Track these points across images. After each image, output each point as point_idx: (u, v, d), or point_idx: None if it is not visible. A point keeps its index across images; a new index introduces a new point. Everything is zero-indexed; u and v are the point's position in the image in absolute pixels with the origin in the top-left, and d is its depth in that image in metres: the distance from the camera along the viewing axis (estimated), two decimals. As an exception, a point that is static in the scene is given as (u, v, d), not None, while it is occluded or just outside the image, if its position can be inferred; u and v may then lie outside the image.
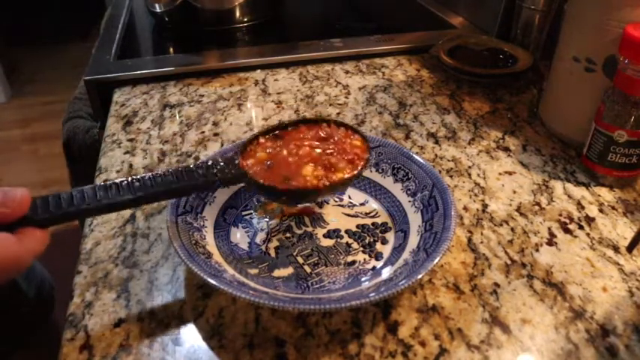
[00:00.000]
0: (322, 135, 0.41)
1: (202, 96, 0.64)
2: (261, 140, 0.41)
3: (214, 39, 0.82)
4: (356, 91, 0.65)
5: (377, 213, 0.44)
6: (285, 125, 0.42)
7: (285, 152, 0.39)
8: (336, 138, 0.40)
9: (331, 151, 0.39)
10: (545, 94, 0.58)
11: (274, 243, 0.41)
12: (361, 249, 0.40)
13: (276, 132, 0.41)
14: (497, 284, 0.38)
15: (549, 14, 0.67)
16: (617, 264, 0.40)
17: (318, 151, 0.39)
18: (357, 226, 0.42)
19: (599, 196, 0.47)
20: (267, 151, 0.40)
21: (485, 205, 0.46)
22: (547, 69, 0.59)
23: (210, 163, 0.37)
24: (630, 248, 0.39)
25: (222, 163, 0.38)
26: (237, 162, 0.38)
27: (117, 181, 0.35)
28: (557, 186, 0.48)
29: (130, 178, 0.35)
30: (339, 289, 0.36)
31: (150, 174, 0.36)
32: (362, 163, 0.39)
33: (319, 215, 0.43)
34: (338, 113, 0.60)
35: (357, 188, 0.46)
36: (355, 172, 0.38)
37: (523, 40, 0.71)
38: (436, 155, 0.53)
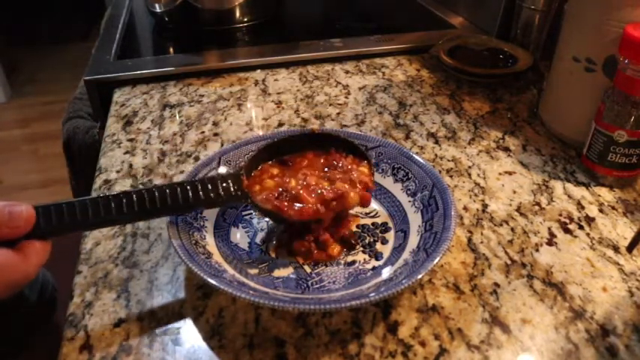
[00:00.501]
0: (330, 162, 0.41)
1: (202, 96, 0.64)
2: (267, 167, 0.41)
3: (214, 39, 0.82)
4: (356, 91, 0.65)
5: (377, 213, 0.44)
6: (290, 143, 0.42)
7: (293, 182, 0.39)
8: (342, 165, 0.41)
9: (340, 179, 0.40)
10: (545, 94, 0.58)
11: (274, 243, 0.41)
12: (361, 249, 0.40)
13: (283, 157, 0.42)
14: (497, 284, 0.38)
15: (549, 14, 0.67)
16: (617, 264, 0.40)
17: (325, 186, 0.39)
18: (357, 226, 0.42)
19: (599, 196, 0.47)
20: (275, 179, 0.40)
21: (485, 205, 0.46)
22: (547, 69, 0.59)
23: (217, 179, 0.38)
24: (630, 248, 0.39)
25: (227, 182, 0.38)
26: (241, 180, 0.38)
27: (120, 194, 0.34)
28: (557, 186, 0.48)
29: (133, 192, 0.35)
30: (339, 289, 0.36)
31: (154, 186, 0.36)
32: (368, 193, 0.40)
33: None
34: (338, 113, 0.60)
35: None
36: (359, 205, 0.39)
37: (523, 40, 0.71)
38: (436, 155, 0.53)
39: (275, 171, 0.41)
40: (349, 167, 0.41)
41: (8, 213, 0.30)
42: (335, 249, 0.39)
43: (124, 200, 0.34)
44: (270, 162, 0.42)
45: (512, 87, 0.67)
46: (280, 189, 0.38)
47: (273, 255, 0.40)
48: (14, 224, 0.30)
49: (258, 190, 0.39)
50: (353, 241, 0.40)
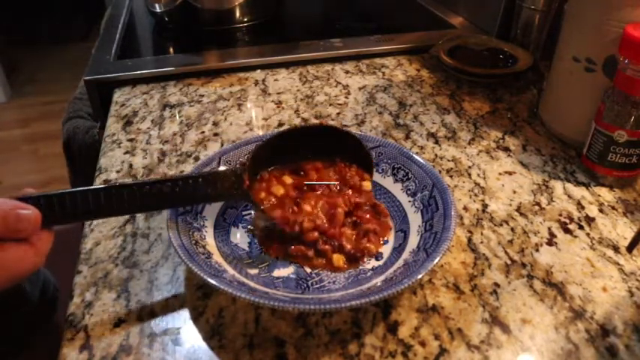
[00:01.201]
0: (337, 174, 0.42)
1: (202, 96, 0.64)
2: (279, 173, 0.42)
3: (214, 39, 0.82)
4: (356, 91, 0.65)
5: (377, 213, 0.44)
6: (294, 140, 0.42)
7: (308, 208, 0.40)
8: (348, 177, 0.42)
9: (346, 191, 0.41)
10: (545, 94, 0.58)
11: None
12: (361, 249, 0.40)
13: (292, 164, 0.42)
14: (497, 284, 0.38)
15: (549, 14, 0.67)
16: (617, 264, 0.40)
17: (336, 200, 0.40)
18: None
19: (599, 196, 0.47)
20: (291, 190, 0.41)
21: (485, 205, 0.46)
22: (547, 69, 0.59)
23: (219, 175, 0.38)
24: (630, 248, 0.39)
25: (229, 179, 0.38)
26: (243, 178, 0.38)
27: (121, 185, 0.35)
28: (557, 186, 0.48)
29: (134, 184, 0.35)
30: (339, 289, 0.36)
31: (156, 178, 0.36)
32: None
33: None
34: (338, 113, 0.60)
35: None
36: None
37: (523, 40, 0.71)
38: (436, 155, 0.53)
39: (289, 180, 0.41)
40: (354, 180, 0.42)
41: (16, 216, 0.30)
42: (339, 260, 0.39)
43: (125, 191, 0.35)
44: (279, 166, 0.42)
45: (512, 87, 0.67)
46: (293, 204, 0.39)
47: (273, 255, 0.40)
48: (23, 227, 0.30)
49: (264, 197, 0.40)
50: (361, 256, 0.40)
